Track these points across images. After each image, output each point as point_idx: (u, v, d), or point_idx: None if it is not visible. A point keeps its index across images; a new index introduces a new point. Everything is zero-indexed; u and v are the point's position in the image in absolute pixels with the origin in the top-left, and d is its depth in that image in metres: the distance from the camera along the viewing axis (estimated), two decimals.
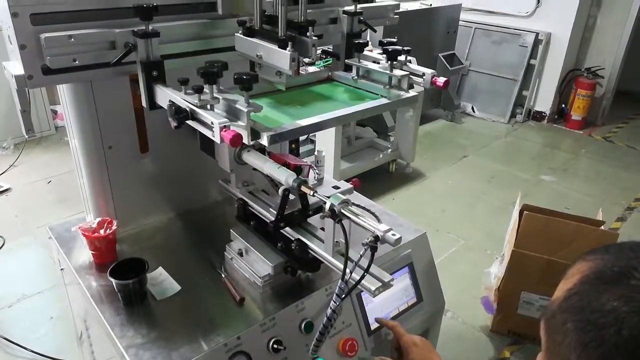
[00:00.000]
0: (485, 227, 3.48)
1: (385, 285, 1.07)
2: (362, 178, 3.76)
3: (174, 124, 1.09)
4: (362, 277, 1.02)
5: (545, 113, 5.57)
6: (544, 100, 5.54)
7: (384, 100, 1.33)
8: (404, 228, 1.59)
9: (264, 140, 1.06)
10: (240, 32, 1.22)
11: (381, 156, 4.05)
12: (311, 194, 1.15)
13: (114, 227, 1.39)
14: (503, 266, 2.37)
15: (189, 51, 1.28)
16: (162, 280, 1.34)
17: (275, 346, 1.20)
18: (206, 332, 1.17)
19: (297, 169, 1.27)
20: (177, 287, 1.31)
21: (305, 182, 1.16)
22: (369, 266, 1.03)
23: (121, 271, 1.25)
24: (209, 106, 1.07)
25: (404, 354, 1.24)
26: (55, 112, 4.61)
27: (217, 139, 1.01)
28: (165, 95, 1.14)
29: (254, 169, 1.27)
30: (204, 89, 1.06)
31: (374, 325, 1.38)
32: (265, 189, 1.40)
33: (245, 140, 1.04)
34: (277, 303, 1.27)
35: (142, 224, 1.57)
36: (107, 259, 1.40)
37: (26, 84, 1.08)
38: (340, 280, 1.04)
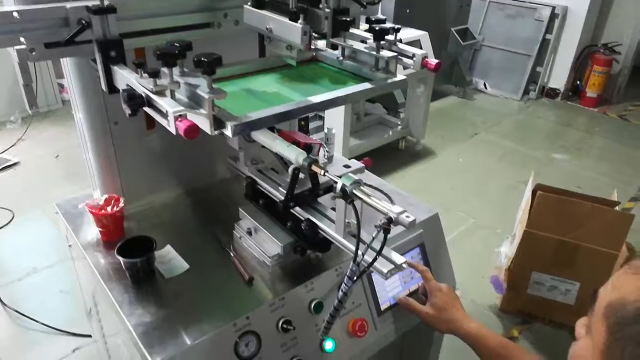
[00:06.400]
0: (496, 206, 3.44)
1: (398, 268, 1.04)
2: (371, 155, 3.71)
3: (127, 111, 0.99)
4: (374, 259, 1.00)
5: (559, 90, 5.45)
6: (558, 76, 5.42)
7: (367, 85, 1.22)
8: (415, 208, 1.55)
9: (228, 131, 0.96)
10: (248, 3, 1.17)
11: (391, 133, 4.00)
12: (322, 173, 1.11)
13: (120, 205, 1.37)
14: (514, 246, 2.34)
15: (168, 27, 1.19)
16: (170, 259, 1.32)
17: (284, 326, 1.18)
18: (215, 311, 1.16)
19: (307, 147, 1.24)
20: (186, 266, 1.30)
21: (315, 161, 1.12)
22: (381, 249, 1.00)
23: (129, 249, 1.23)
24: (168, 92, 0.98)
25: (429, 298, 1.29)
26: (62, 86, 4.58)
27: (172, 130, 0.92)
28: (123, 79, 1.05)
29: (263, 147, 1.24)
30: (164, 72, 0.96)
31: (384, 306, 1.36)
32: (274, 167, 1.37)
33: (207, 131, 0.95)
34: (286, 283, 1.25)
35: (149, 201, 1.55)
36: (114, 236, 1.38)
37: (28, 57, 1.04)
38: (352, 263, 1.01)
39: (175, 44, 0.96)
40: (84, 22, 1.02)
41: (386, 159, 3.95)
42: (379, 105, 4.28)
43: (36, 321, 2.32)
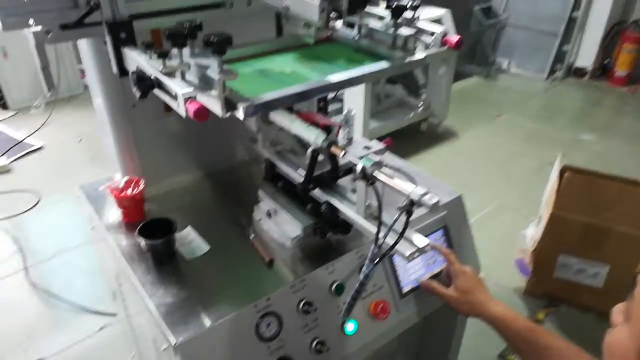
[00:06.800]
0: (521, 187, 3.37)
1: (421, 250, 1.02)
2: (392, 137, 3.68)
3: (137, 93, 0.97)
4: (396, 242, 0.98)
5: (586, 69, 5.27)
6: (585, 55, 5.24)
7: (384, 64, 1.17)
8: (439, 189, 1.52)
9: (240, 113, 0.93)
10: None
11: (412, 115, 3.93)
12: (342, 154, 1.09)
13: (141, 187, 1.38)
14: (540, 228, 2.29)
15: (179, 7, 1.16)
16: (191, 240, 1.32)
17: (305, 307, 1.17)
18: (236, 292, 1.16)
19: (327, 129, 1.21)
20: (206, 247, 1.30)
21: (335, 143, 1.10)
22: (403, 231, 0.97)
23: (150, 230, 1.24)
24: (179, 73, 0.95)
25: (453, 281, 1.27)
26: (83, 72, 4.63)
27: (181, 112, 0.90)
28: (134, 60, 1.03)
29: (282, 129, 1.22)
30: (174, 53, 0.93)
31: (406, 288, 1.34)
32: (293, 149, 1.35)
33: (218, 113, 0.92)
34: (307, 265, 1.24)
35: (169, 183, 1.55)
36: (135, 218, 1.39)
37: (44, 39, 1.03)
38: (373, 245, 0.99)
39: (185, 24, 0.93)
40: (92, 3, 1.00)
41: (407, 141, 3.90)
42: (399, 87, 4.20)
43: (63, 300, 2.37)
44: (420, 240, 1.03)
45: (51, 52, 3.95)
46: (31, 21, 1.00)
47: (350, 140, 1.51)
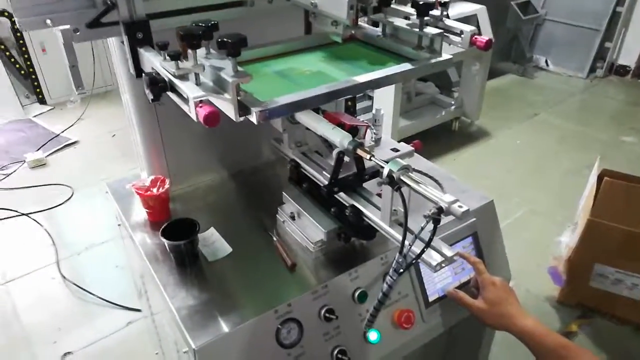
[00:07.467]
0: (556, 191, 3.24)
1: (448, 260, 0.97)
2: (422, 136, 3.62)
3: (150, 96, 0.95)
4: (422, 252, 0.93)
5: (629, 67, 5.04)
6: (629, 52, 5.01)
7: (407, 66, 1.11)
8: (468, 195, 1.46)
9: (253, 118, 0.90)
10: None
11: (444, 113, 3.84)
12: (368, 157, 1.05)
13: (166, 186, 1.37)
14: (576, 235, 2.19)
15: (198, 6, 1.14)
16: (213, 241, 1.31)
17: (327, 315, 1.15)
18: (257, 297, 1.14)
19: (353, 130, 1.18)
20: (229, 249, 1.28)
21: (361, 145, 1.06)
22: (430, 240, 0.93)
23: (174, 231, 1.23)
24: (193, 75, 0.93)
25: (481, 292, 1.22)
26: None
27: (193, 116, 0.87)
28: (149, 61, 1.01)
29: (308, 129, 1.19)
30: (188, 54, 0.90)
31: (432, 297, 1.30)
32: (319, 149, 1.32)
33: (232, 116, 0.90)
34: (329, 270, 1.21)
35: (195, 182, 1.55)
36: (160, 217, 1.39)
37: (72, 37, 1.04)
38: (397, 254, 0.96)
39: (200, 24, 0.91)
40: (109, 2, 0.99)
41: (438, 140, 3.81)
42: (431, 84, 4.11)
43: (93, 294, 2.42)
44: (448, 250, 0.99)
45: (87, 46, 4.04)
46: (48, 21, 1.00)
47: (378, 141, 1.47)
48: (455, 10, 3.43)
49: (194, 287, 1.18)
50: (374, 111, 1.51)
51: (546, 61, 5.32)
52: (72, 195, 3.24)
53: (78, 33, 1.03)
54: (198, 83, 0.93)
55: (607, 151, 3.71)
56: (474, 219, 1.40)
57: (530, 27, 5.24)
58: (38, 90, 4.45)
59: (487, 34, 3.74)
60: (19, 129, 4.09)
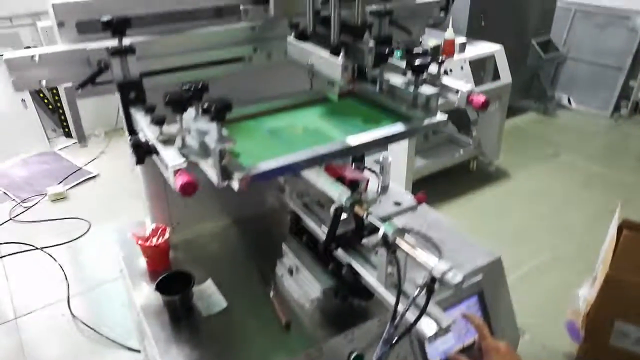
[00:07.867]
0: (578, 238, 3.12)
1: (444, 331, 0.93)
2: (439, 176, 3.57)
3: (133, 158, 0.95)
4: (415, 322, 0.90)
5: None
6: None
7: (398, 128, 1.10)
8: (474, 250, 1.42)
9: (235, 184, 0.89)
10: (292, 35, 1.12)
11: (461, 152, 3.79)
12: (365, 216, 1.03)
13: (166, 236, 1.37)
14: (594, 289, 2.09)
15: (196, 63, 1.15)
16: (209, 295, 1.29)
17: None
18: (248, 357, 1.11)
19: (353, 184, 1.16)
20: (224, 304, 1.26)
21: (359, 201, 1.05)
22: (423, 310, 0.89)
23: (170, 283, 1.22)
24: (180, 139, 0.92)
25: (484, 358, 1.15)
26: None
27: (171, 184, 0.86)
28: (137, 123, 1.01)
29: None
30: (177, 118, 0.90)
31: None
32: (321, 200, 1.30)
33: (214, 181, 0.89)
34: (325, 330, 1.18)
35: (197, 229, 1.54)
36: (159, 267, 1.38)
37: (75, 94, 1.06)
38: (389, 323, 0.92)
39: (190, 85, 0.91)
40: (102, 64, 1.00)
41: (455, 180, 3.74)
42: (448, 122, 4.08)
43: (100, 334, 2.41)
44: (443, 319, 0.94)
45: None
46: (43, 82, 1.02)
47: (385, 189, 1.45)
48: (473, 50, 3.42)
49: (186, 344, 1.15)
50: (380, 158, 1.49)
51: (569, 99, 5.24)
52: (88, 229, 3.28)
53: (80, 91, 1.05)
54: (184, 145, 0.93)
55: (633, 195, 3.57)
56: (480, 277, 1.34)
57: (552, 65, 5.20)
58: (65, 124, 4.58)
59: (505, 75, 3.72)
60: (43, 161, 4.20)
